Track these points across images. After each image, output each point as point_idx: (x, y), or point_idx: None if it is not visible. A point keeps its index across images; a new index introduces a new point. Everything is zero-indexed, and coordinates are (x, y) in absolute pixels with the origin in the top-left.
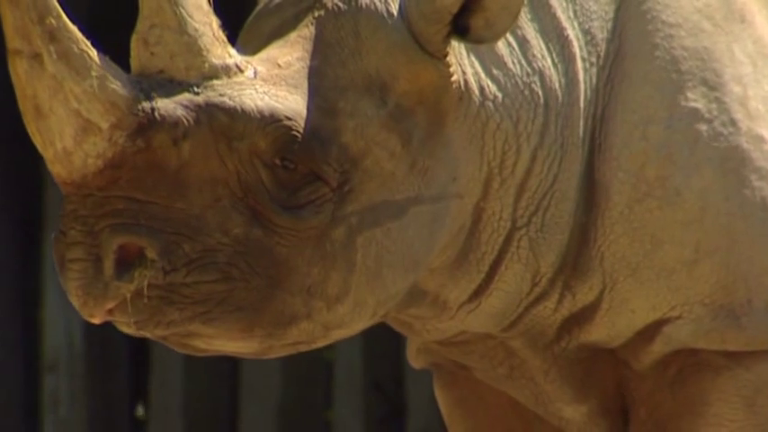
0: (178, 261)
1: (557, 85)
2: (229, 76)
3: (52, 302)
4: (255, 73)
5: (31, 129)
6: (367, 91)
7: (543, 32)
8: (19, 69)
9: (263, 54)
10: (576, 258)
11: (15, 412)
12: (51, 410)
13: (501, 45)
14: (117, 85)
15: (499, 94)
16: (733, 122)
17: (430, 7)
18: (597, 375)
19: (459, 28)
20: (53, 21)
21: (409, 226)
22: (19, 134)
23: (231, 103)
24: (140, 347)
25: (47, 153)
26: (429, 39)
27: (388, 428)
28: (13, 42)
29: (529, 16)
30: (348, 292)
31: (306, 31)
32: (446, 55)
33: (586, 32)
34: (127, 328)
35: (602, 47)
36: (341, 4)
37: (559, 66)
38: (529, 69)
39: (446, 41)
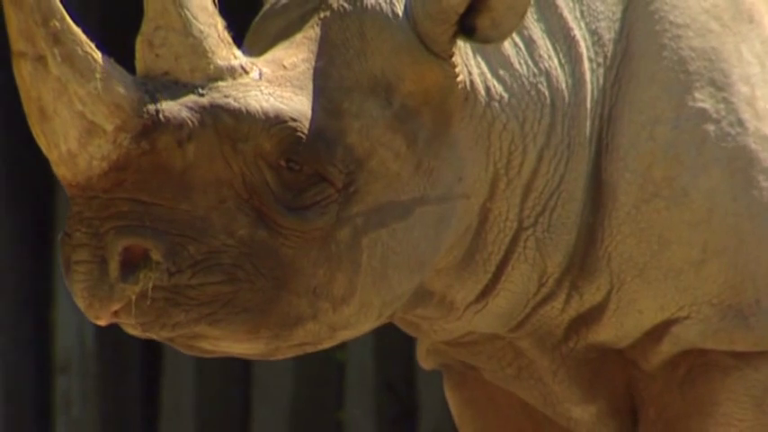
0: (183, 263)
1: (563, 85)
2: (234, 78)
3: (64, 303)
4: (260, 74)
5: (36, 131)
6: (372, 92)
7: (550, 33)
8: (23, 71)
9: (269, 55)
10: (584, 259)
11: (28, 413)
12: (63, 411)
13: (507, 45)
14: (121, 88)
15: (505, 95)
16: (741, 123)
17: (436, 7)
18: (606, 375)
19: (466, 28)
20: (57, 23)
21: (415, 227)
22: (30, 135)
23: (236, 104)
24: (152, 348)
25: (51, 155)
26: (435, 39)
27: (400, 429)
28: (17, 45)
29: (535, 17)
30: (354, 293)
31: (311, 32)
32: (452, 55)
33: (593, 33)
34: (133, 329)
35: (610, 47)
36: (346, 5)
37: (566, 66)
38: (535, 70)
39: (452, 42)
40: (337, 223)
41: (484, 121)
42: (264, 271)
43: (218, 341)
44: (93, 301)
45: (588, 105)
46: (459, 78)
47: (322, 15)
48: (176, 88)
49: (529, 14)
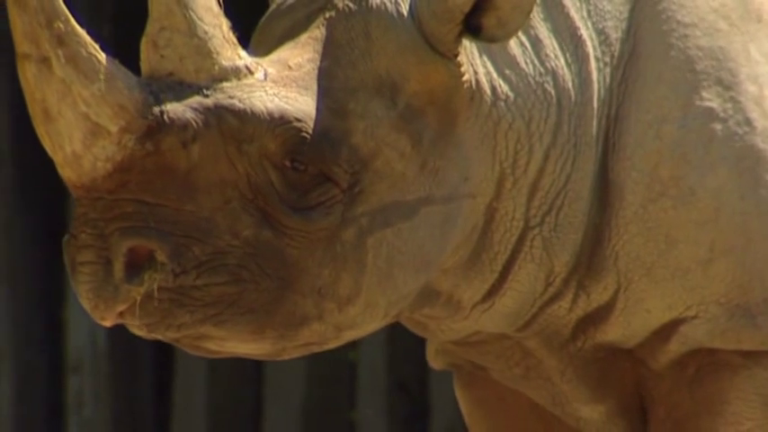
0: (188, 263)
1: (570, 84)
2: (239, 79)
3: (76, 303)
4: (266, 75)
5: (41, 132)
6: (377, 92)
7: (556, 32)
8: (27, 73)
9: (274, 55)
10: (591, 258)
11: (39, 413)
12: (75, 411)
13: (514, 45)
14: (125, 89)
15: (511, 94)
16: (748, 122)
17: (442, 7)
18: (615, 375)
19: (471, 27)
20: (61, 25)
21: (420, 226)
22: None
23: (241, 105)
24: (164, 348)
25: (56, 157)
26: (441, 38)
27: (412, 428)
28: (21, 46)
29: (542, 16)
30: (359, 293)
31: (317, 32)
32: (457, 55)
33: (600, 32)
34: (138, 330)
35: (617, 47)
36: (351, 5)
37: (573, 65)
38: (542, 69)
39: (458, 41)
40: (342, 223)
41: (490, 120)
42: (269, 271)
43: (224, 342)
44: (98, 302)
45: (595, 105)
46: (464, 78)
47: (327, 15)
48: (181, 89)
49: (535, 14)
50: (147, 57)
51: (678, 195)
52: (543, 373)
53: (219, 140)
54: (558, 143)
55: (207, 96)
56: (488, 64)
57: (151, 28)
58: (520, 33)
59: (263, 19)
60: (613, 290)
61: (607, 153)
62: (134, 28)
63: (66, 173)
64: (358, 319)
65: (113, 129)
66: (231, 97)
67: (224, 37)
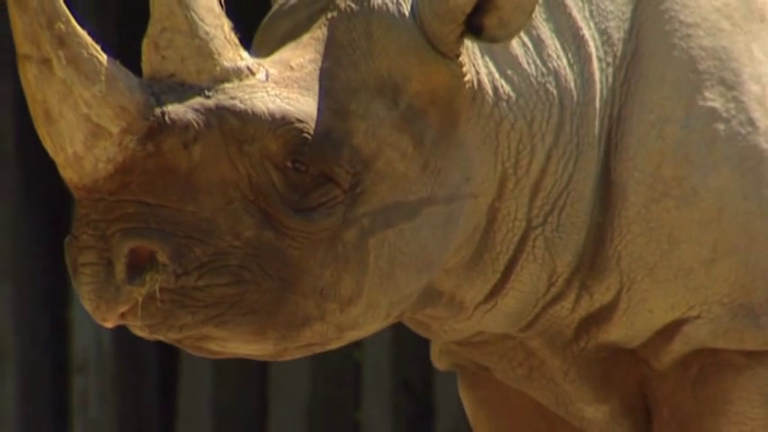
0: (189, 264)
1: (572, 84)
2: (241, 79)
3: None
4: (267, 75)
5: (42, 133)
6: (379, 92)
7: (559, 32)
8: (28, 74)
9: (276, 56)
10: (593, 258)
11: (45, 413)
12: (80, 411)
13: (516, 45)
14: (127, 90)
15: (513, 95)
16: (751, 122)
17: (443, 7)
18: (618, 375)
19: (473, 27)
20: (62, 26)
21: (422, 227)
22: None
23: (242, 106)
24: (169, 349)
25: (58, 158)
26: (442, 39)
27: (417, 428)
28: (22, 47)
29: (544, 16)
30: (361, 294)
31: (319, 32)
32: (459, 55)
33: (603, 32)
34: (140, 331)
35: (619, 47)
36: (353, 6)
37: (575, 66)
38: (544, 69)
39: (459, 41)
40: (344, 224)
41: (492, 120)
42: (271, 272)
43: (226, 342)
44: (99, 304)
45: (597, 105)
46: (466, 78)
47: (329, 16)
48: (182, 90)
49: (537, 14)
50: (149, 58)
51: (681, 195)
52: (546, 374)
53: (221, 141)
54: (560, 143)
55: (208, 97)
56: (490, 64)
57: (152, 29)
58: (522, 34)
59: (266, 19)
60: (616, 290)
61: (609, 153)
62: (138, 29)
63: (68, 174)
64: (360, 320)
65: (114, 130)
66: (233, 98)
67: (225, 38)
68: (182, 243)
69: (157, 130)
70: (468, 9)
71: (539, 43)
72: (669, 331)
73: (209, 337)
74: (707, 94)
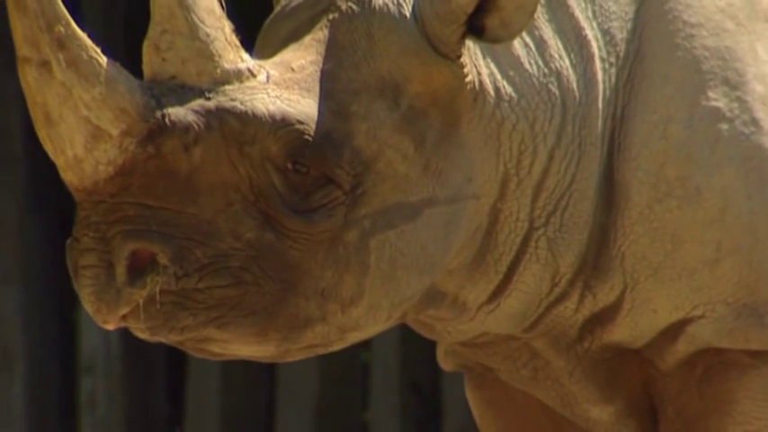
0: (190, 266)
1: (574, 85)
2: (241, 81)
3: None
4: (268, 77)
5: (42, 136)
6: (380, 93)
7: (561, 33)
8: (28, 77)
9: (277, 58)
10: (596, 258)
11: (52, 413)
12: (88, 411)
13: (518, 46)
14: (126, 92)
15: (515, 95)
16: (755, 121)
17: (445, 8)
18: (623, 375)
19: (475, 28)
20: (62, 28)
21: (423, 228)
22: None
23: (242, 107)
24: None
25: (58, 160)
26: (444, 40)
27: (425, 429)
28: (22, 50)
29: (547, 17)
30: (362, 295)
31: (320, 34)
32: (460, 56)
33: (605, 32)
34: (141, 333)
35: (622, 47)
36: (354, 7)
37: (578, 66)
38: (546, 70)
39: (461, 42)
40: (345, 225)
41: (493, 121)
42: (272, 274)
43: (227, 344)
44: (100, 306)
45: (600, 105)
46: (467, 79)
47: (331, 17)
48: (183, 92)
49: (540, 15)
50: (150, 60)
51: (684, 195)
52: (551, 375)
53: (221, 143)
54: (562, 144)
55: (209, 99)
56: (492, 65)
57: (153, 31)
58: (524, 34)
59: (268, 21)
60: (620, 290)
61: (612, 153)
62: (146, 29)
63: (68, 176)
64: (361, 321)
65: (114, 132)
66: (233, 100)
67: (226, 39)
68: (182, 245)
69: (158, 132)
70: (470, 10)
71: (541, 44)
72: (673, 331)
73: (211, 339)
74: (710, 93)
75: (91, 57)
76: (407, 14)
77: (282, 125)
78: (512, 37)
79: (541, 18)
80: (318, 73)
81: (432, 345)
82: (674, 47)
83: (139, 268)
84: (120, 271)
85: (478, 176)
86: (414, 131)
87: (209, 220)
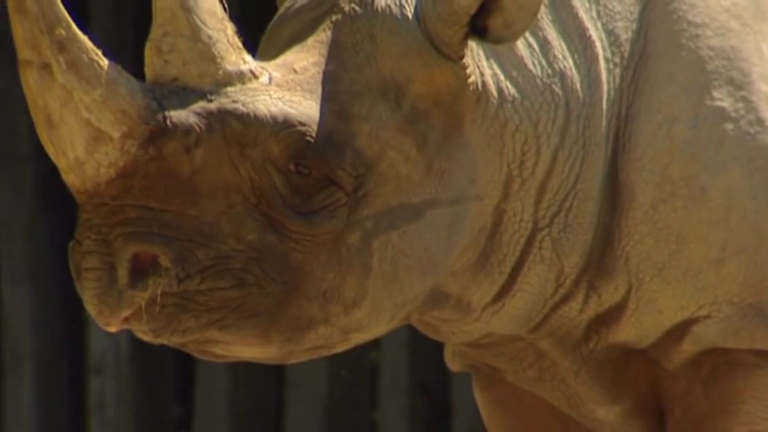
0: (192, 268)
1: (578, 85)
2: (243, 83)
3: None
4: (270, 79)
5: (44, 139)
6: (382, 95)
7: (565, 33)
8: (29, 80)
9: (280, 59)
10: (601, 259)
11: (61, 414)
12: (97, 412)
13: (521, 46)
14: (127, 94)
15: (518, 96)
16: (760, 121)
17: (447, 9)
18: (629, 376)
19: (477, 29)
20: (62, 31)
21: (426, 229)
22: None
23: (244, 109)
24: None
25: (60, 163)
26: (446, 41)
27: (434, 429)
28: (22, 53)
29: (550, 17)
30: (365, 296)
31: (323, 35)
32: (463, 57)
33: (610, 33)
34: (144, 335)
35: (627, 47)
36: (357, 9)
37: (581, 66)
38: (549, 70)
39: (463, 43)
40: (347, 227)
41: (496, 122)
42: (274, 275)
43: (230, 346)
44: (102, 308)
45: (604, 105)
46: (470, 80)
47: (333, 19)
48: (185, 94)
49: (544, 15)
50: (151, 62)
51: (689, 195)
52: (557, 375)
53: (223, 145)
54: (566, 144)
55: (211, 101)
56: (495, 66)
57: (155, 33)
58: (528, 35)
59: (272, 23)
60: (625, 290)
61: (617, 153)
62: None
63: (70, 179)
64: (364, 322)
65: (115, 134)
66: (235, 101)
67: (228, 41)
68: (184, 247)
69: (159, 134)
70: (473, 10)
71: (545, 44)
72: (679, 331)
73: (213, 341)
74: (715, 93)
75: (92, 59)
76: (410, 16)
77: (284, 127)
78: (515, 38)
79: (545, 19)
80: (321, 74)
81: (440, 345)
82: (679, 47)
83: (141, 270)
84: (122, 273)
85: (481, 177)
86: (416, 132)
87: (210, 221)
